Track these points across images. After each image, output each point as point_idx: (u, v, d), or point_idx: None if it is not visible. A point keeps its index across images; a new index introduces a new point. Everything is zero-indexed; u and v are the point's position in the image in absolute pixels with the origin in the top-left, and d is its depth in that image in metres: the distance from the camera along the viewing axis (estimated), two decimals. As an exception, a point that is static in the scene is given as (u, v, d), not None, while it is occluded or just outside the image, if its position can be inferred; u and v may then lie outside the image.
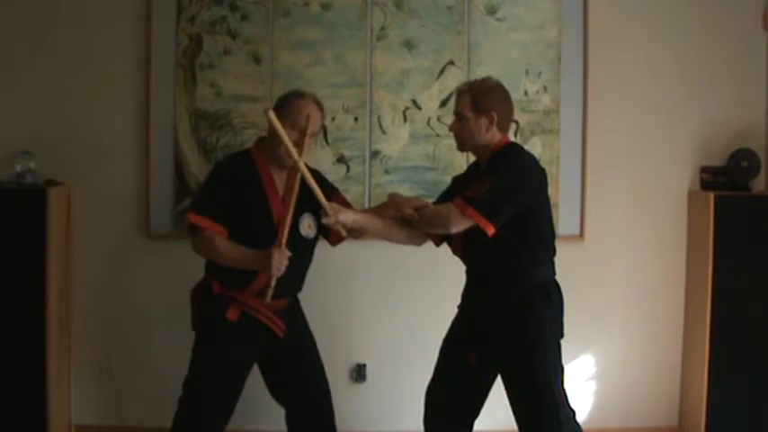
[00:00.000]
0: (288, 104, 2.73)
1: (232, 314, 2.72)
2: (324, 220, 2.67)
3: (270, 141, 2.72)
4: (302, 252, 2.74)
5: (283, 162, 2.70)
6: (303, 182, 2.64)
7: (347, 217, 2.66)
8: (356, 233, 2.76)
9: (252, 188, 2.71)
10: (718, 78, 3.71)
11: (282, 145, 2.59)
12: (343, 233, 2.74)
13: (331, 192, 2.87)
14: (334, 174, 3.54)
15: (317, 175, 2.86)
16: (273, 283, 2.61)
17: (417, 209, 2.70)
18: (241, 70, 3.59)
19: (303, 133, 2.67)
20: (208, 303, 2.75)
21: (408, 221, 2.72)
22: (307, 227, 2.76)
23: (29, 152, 3.49)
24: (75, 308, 3.64)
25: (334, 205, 2.67)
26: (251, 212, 2.70)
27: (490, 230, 2.49)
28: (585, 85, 3.65)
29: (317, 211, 2.72)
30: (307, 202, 2.70)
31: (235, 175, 2.73)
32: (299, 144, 2.66)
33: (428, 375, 2.79)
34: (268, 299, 2.63)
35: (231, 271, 2.67)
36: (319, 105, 2.77)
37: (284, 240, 2.60)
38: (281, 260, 2.55)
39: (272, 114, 2.55)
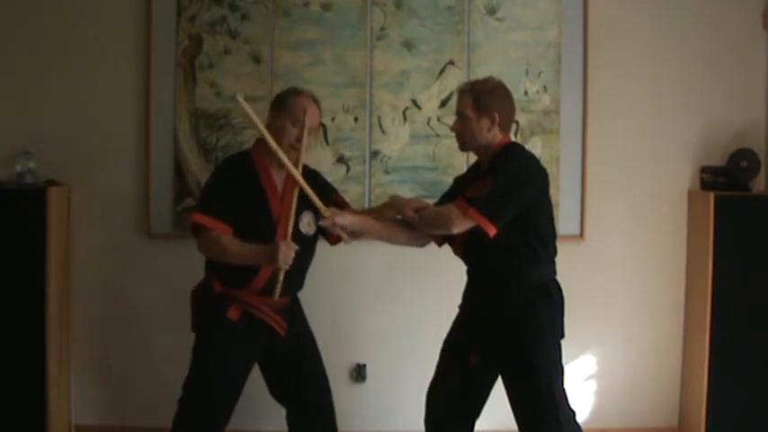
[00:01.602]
0: (285, 102, 2.75)
1: (233, 313, 2.72)
2: (321, 223, 2.68)
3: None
4: (303, 249, 2.72)
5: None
6: (304, 179, 2.66)
7: (344, 219, 2.67)
8: (355, 235, 2.76)
9: (251, 187, 2.72)
10: (719, 78, 3.71)
11: (264, 136, 2.62)
12: (344, 237, 2.73)
13: (329, 192, 2.88)
14: (334, 174, 3.55)
15: (315, 175, 2.86)
16: (281, 277, 2.61)
17: (417, 210, 2.70)
18: (241, 70, 3.59)
19: (302, 130, 2.68)
20: (209, 303, 2.75)
21: (409, 223, 2.72)
22: (306, 224, 2.76)
23: (29, 152, 3.49)
24: (75, 308, 3.64)
25: (332, 208, 2.67)
26: (251, 211, 2.70)
27: (492, 231, 2.49)
28: (585, 85, 3.65)
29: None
30: (306, 200, 2.70)
31: (234, 174, 2.74)
32: (299, 140, 2.68)
33: (428, 375, 2.79)
34: (277, 294, 2.64)
35: (232, 270, 2.67)
36: (316, 101, 2.78)
37: (289, 233, 2.61)
38: (287, 252, 2.55)
39: (240, 98, 2.56)
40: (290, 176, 2.71)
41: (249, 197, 2.71)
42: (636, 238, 3.74)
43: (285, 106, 2.73)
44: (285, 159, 2.63)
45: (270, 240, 2.62)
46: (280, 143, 2.64)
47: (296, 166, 2.66)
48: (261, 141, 2.78)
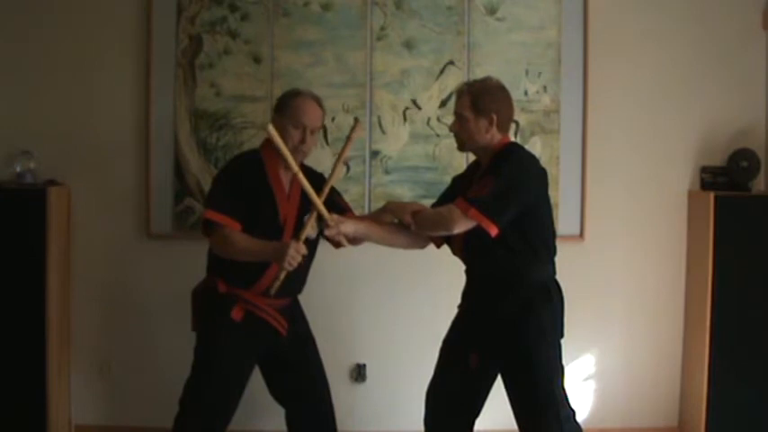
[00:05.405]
0: (286, 104, 2.75)
1: (237, 313, 2.72)
2: (326, 232, 2.67)
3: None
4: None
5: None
6: (311, 182, 2.65)
7: (348, 227, 2.65)
8: (357, 241, 2.75)
9: (260, 186, 2.73)
10: (718, 78, 3.71)
11: (283, 158, 2.59)
12: (345, 244, 2.72)
13: (334, 196, 2.86)
14: (334, 174, 3.55)
15: (322, 179, 2.83)
16: (282, 276, 2.61)
17: (414, 213, 2.69)
18: (241, 70, 3.59)
19: (304, 131, 2.69)
20: (211, 303, 2.75)
21: (407, 226, 2.71)
22: (309, 227, 2.76)
23: (29, 152, 3.49)
24: (75, 308, 3.64)
25: (335, 216, 2.66)
26: (258, 210, 2.70)
27: (493, 231, 2.49)
28: (585, 85, 3.65)
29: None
30: (310, 202, 2.69)
31: (244, 173, 2.75)
32: (302, 141, 2.69)
33: (428, 375, 2.79)
34: (273, 291, 2.64)
35: (237, 269, 2.68)
36: (318, 102, 2.78)
37: (303, 237, 2.60)
38: (294, 255, 2.54)
39: (271, 129, 2.55)
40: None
41: (257, 197, 2.71)
42: (636, 238, 3.74)
43: (287, 108, 2.73)
44: (307, 185, 2.60)
45: (275, 240, 2.62)
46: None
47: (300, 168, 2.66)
48: (269, 141, 2.77)
